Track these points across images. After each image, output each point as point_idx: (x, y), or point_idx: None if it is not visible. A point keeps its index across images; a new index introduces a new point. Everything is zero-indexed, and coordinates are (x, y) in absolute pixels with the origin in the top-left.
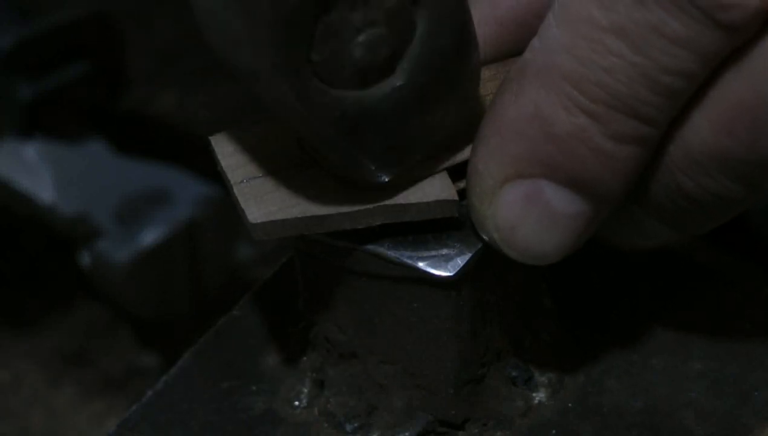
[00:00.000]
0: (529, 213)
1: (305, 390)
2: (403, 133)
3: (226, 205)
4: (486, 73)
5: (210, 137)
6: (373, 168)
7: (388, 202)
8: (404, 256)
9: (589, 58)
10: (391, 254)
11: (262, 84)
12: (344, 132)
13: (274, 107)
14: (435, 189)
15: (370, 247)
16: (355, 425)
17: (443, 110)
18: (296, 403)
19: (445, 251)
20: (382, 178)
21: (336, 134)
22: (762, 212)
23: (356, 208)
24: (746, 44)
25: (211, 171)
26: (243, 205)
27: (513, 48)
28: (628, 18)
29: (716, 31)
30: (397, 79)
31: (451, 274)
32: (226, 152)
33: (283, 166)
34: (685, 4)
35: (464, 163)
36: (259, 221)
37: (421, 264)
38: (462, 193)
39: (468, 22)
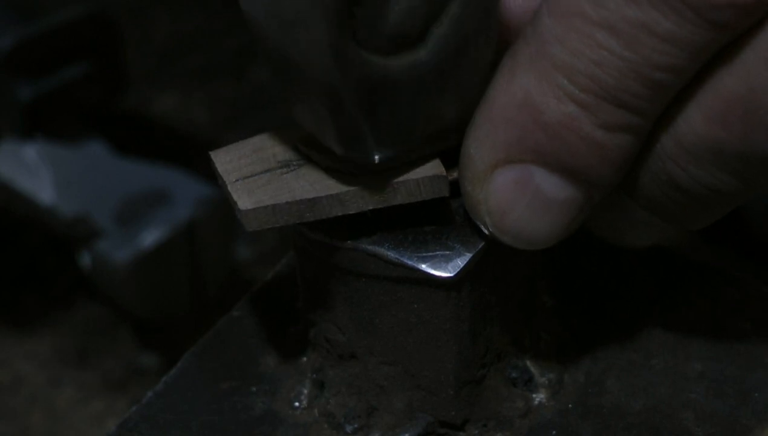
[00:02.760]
0: (519, 198)
1: (305, 391)
2: (411, 112)
3: (226, 205)
4: None
5: (210, 153)
6: (373, 143)
7: (377, 183)
8: (404, 256)
9: (580, 50)
10: (391, 254)
11: (299, 34)
12: (362, 95)
13: (299, 61)
14: (424, 168)
15: (370, 247)
16: (355, 425)
17: (451, 100)
18: (296, 404)
19: (445, 252)
20: (375, 157)
21: (354, 96)
22: (761, 212)
23: (345, 190)
24: (739, 38)
25: (211, 172)
26: (235, 197)
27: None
28: (618, 15)
29: (708, 30)
30: (419, 56)
31: (451, 274)
32: (224, 161)
33: (277, 167)
34: (677, 3)
35: (456, 150)
36: (249, 208)
37: (421, 265)
38: (457, 189)
39: (495, 18)
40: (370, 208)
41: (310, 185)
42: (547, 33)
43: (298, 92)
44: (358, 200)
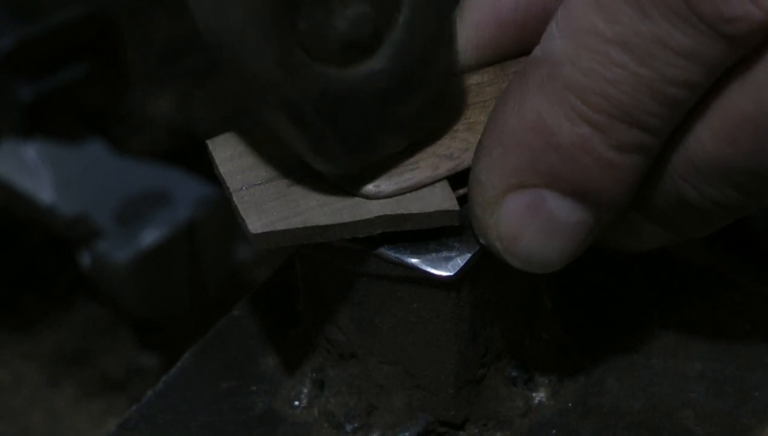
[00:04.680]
0: (531, 222)
1: (305, 390)
2: (377, 120)
3: (226, 205)
4: (484, 77)
5: (207, 141)
6: (340, 154)
7: (388, 212)
8: (404, 256)
9: (593, 69)
10: (392, 254)
11: (247, 52)
12: (322, 109)
13: (255, 82)
14: (436, 198)
15: (370, 247)
16: (355, 425)
17: (416, 102)
18: (296, 403)
19: (445, 252)
20: (344, 167)
21: (314, 111)
22: (762, 213)
23: (357, 218)
24: (750, 56)
25: (211, 172)
26: (243, 214)
27: (512, 50)
28: (632, 30)
29: (721, 44)
30: (377, 63)
31: (451, 274)
32: (225, 157)
33: (282, 173)
34: (690, 17)
35: (465, 172)
36: (260, 232)
37: (421, 264)
38: (462, 199)
39: (450, 15)
40: (379, 232)
41: (320, 208)
42: (558, 53)
43: (261, 105)
44: (368, 227)
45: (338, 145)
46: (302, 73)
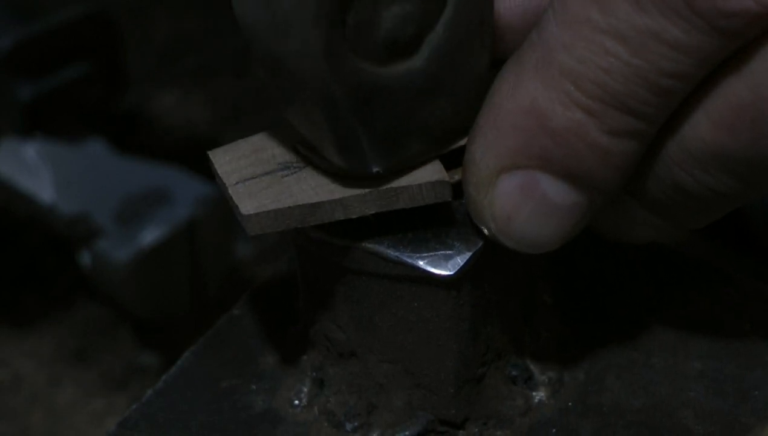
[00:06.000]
0: (525, 204)
1: (305, 389)
2: (407, 120)
3: (225, 204)
4: None
5: (208, 152)
6: (369, 152)
7: (379, 187)
8: (404, 255)
9: (588, 57)
10: (391, 252)
11: (293, 42)
12: (355, 103)
13: (293, 68)
14: (426, 173)
15: (370, 246)
16: (355, 424)
17: (447, 106)
18: (296, 402)
19: (445, 250)
20: (373, 167)
21: (347, 104)
22: (761, 207)
23: (348, 194)
24: (748, 46)
25: (211, 171)
26: (236, 201)
27: (504, 53)
28: (627, 23)
29: (717, 38)
30: (414, 63)
31: (451, 273)
32: (223, 161)
33: (277, 169)
34: (686, 11)
35: (457, 151)
36: (251, 213)
37: (421, 263)
38: (458, 189)
39: (489, 21)
40: (372, 212)
41: (312, 190)
42: (554, 40)
43: (293, 100)
44: (360, 205)
45: (367, 143)
46: (344, 65)
